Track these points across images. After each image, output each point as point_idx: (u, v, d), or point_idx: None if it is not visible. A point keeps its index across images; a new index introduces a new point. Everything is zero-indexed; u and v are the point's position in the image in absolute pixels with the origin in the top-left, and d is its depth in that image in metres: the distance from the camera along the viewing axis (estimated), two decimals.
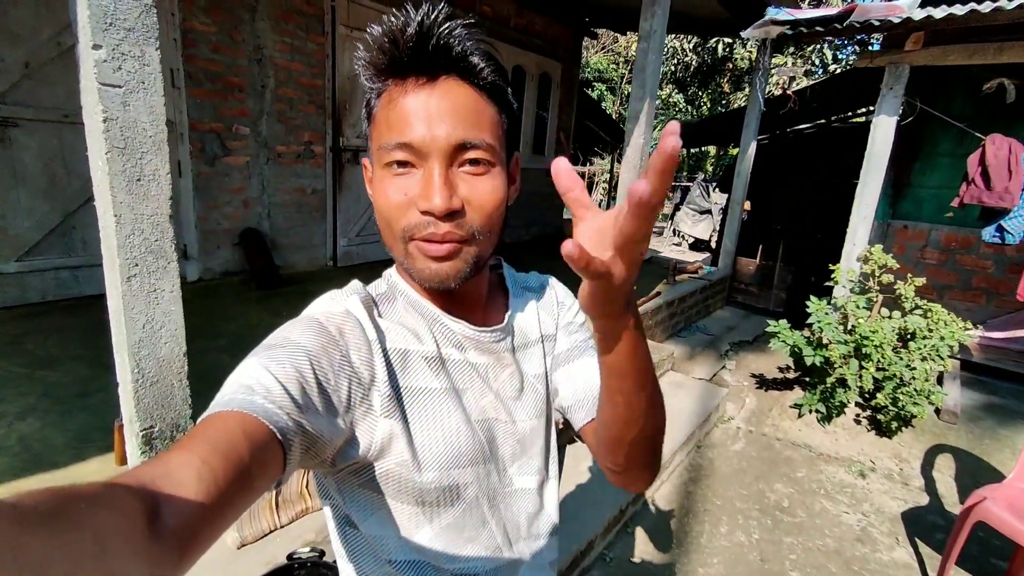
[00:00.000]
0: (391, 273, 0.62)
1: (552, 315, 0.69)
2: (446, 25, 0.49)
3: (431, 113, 0.50)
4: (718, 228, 7.92)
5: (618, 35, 14.05)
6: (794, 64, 10.38)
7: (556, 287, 0.72)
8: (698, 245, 9.66)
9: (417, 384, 0.55)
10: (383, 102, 0.52)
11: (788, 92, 6.15)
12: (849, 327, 3.04)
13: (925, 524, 2.38)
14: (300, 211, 3.89)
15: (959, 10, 2.61)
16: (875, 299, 3.13)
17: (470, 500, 0.58)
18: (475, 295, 0.62)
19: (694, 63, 11.61)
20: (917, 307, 2.91)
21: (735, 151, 6.26)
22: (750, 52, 10.25)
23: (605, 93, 15.36)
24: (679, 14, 4.47)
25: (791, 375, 3.71)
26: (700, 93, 13.09)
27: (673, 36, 11.21)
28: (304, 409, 0.44)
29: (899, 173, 4.33)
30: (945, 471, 2.77)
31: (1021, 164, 2.80)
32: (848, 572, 2.07)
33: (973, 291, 4.27)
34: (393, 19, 0.49)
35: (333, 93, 3.88)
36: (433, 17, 0.48)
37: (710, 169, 13.28)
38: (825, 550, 2.18)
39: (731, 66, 11.43)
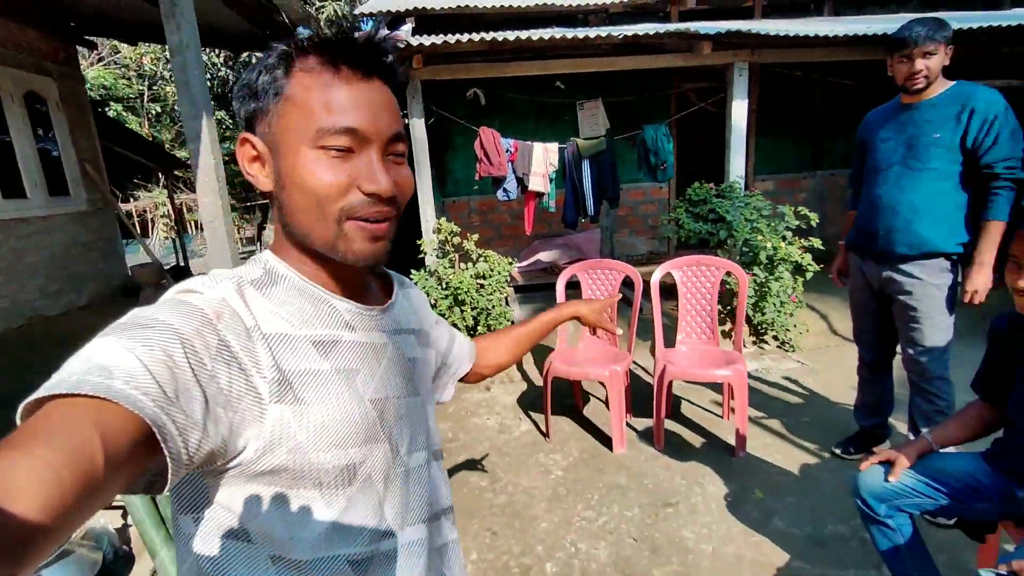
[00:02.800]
0: (267, 258, 0.60)
1: (418, 313, 0.77)
2: (384, 34, 0.57)
3: (374, 104, 0.56)
4: None
5: (121, 46, 11.96)
6: None
7: (414, 289, 0.82)
8: None
9: (304, 367, 0.55)
10: (309, 83, 0.54)
11: None
12: (445, 284, 3.84)
13: (530, 399, 3.38)
14: None
15: (438, 40, 3.55)
16: (454, 258, 4.03)
17: (364, 479, 0.59)
18: (363, 277, 0.66)
19: (231, 78, 11.15)
20: (480, 256, 3.92)
21: None
22: None
23: (123, 114, 12.92)
24: (204, 27, 4.28)
25: None
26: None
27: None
28: (176, 399, 0.41)
29: (439, 162, 5.53)
30: (529, 361, 3.94)
31: (501, 145, 4.09)
32: (501, 455, 2.76)
33: (504, 237, 5.97)
34: (343, 19, 0.56)
35: None
36: (379, 26, 0.56)
37: None
38: (483, 449, 2.84)
39: None
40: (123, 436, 0.36)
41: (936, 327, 2.06)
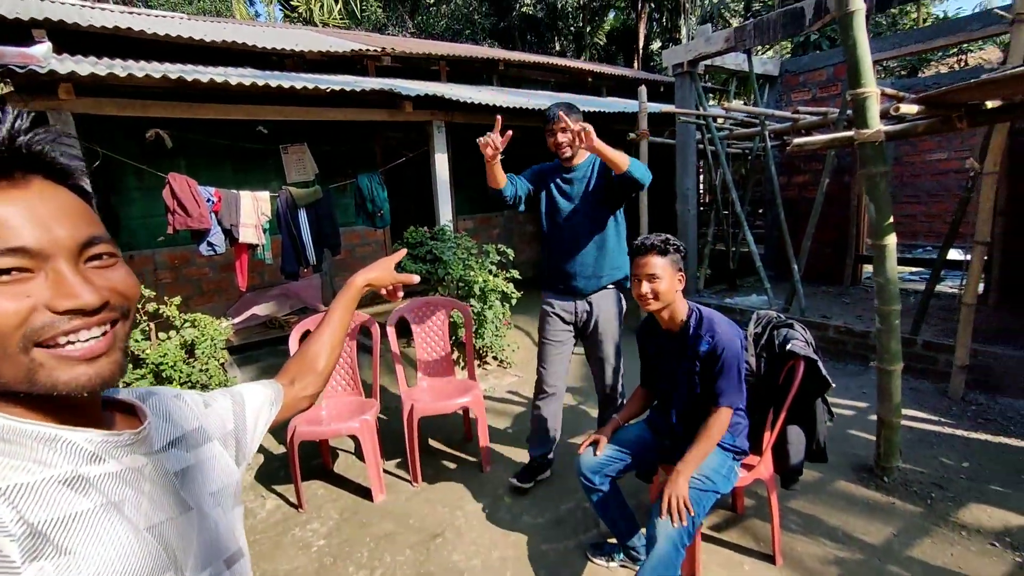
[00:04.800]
0: None
1: (172, 419, 0.68)
2: (36, 130, 0.49)
3: (41, 213, 0.48)
4: None
5: None
6: None
7: (156, 391, 0.70)
8: None
9: (59, 513, 0.47)
10: None
11: None
12: (138, 361, 3.15)
13: (270, 471, 3.06)
14: None
15: (100, 69, 2.95)
16: (148, 328, 3.34)
17: None
18: (94, 403, 0.56)
19: None
20: (186, 322, 3.36)
21: None
22: None
23: None
24: None
25: None
26: None
27: None
28: None
29: (104, 209, 4.48)
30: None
31: (200, 194, 3.63)
32: (252, 544, 2.44)
33: (205, 294, 5.21)
34: None
35: None
36: (21, 121, 0.45)
37: None
38: None
39: None
40: None
41: (616, 346, 2.58)
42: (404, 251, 1.06)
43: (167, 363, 3.12)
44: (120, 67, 3.05)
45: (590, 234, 2.48)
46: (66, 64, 2.91)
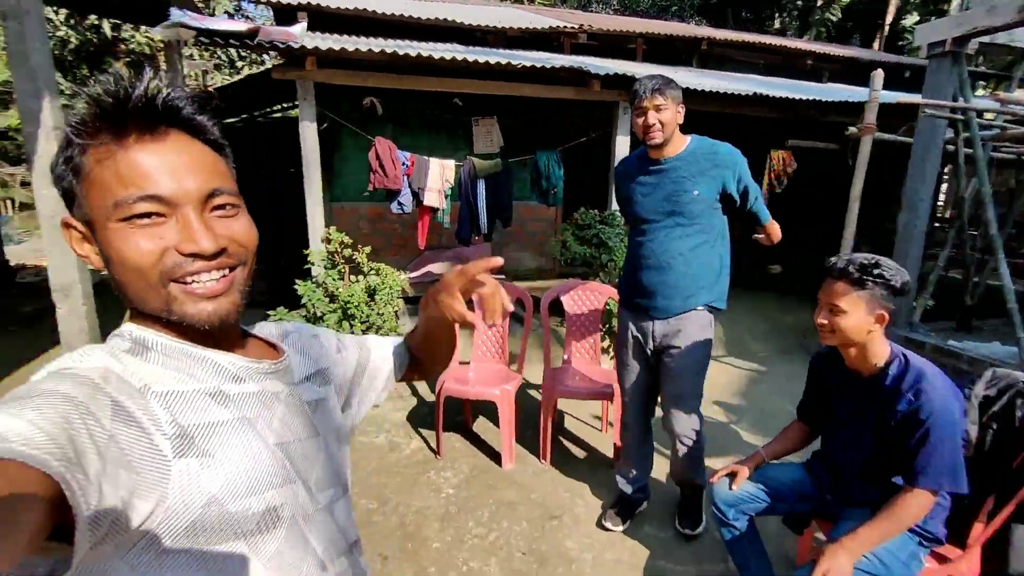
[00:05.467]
0: (130, 330, 0.58)
1: (309, 355, 0.76)
2: (171, 88, 0.54)
3: (174, 165, 0.54)
4: None
5: None
6: (202, 58, 10.29)
7: (297, 328, 0.78)
8: None
9: (204, 419, 0.55)
10: (101, 156, 0.52)
11: (207, 87, 6.16)
12: (333, 297, 3.68)
13: (420, 415, 3.38)
14: None
15: (335, 44, 3.42)
16: (344, 269, 3.89)
17: (289, 520, 0.60)
18: (233, 334, 0.64)
19: (75, 40, 9.57)
20: (372, 269, 3.83)
21: None
22: (148, 37, 9.36)
23: None
24: None
25: None
26: (93, 76, 11.01)
27: None
28: (78, 461, 0.39)
29: (327, 164, 5.28)
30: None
31: (398, 158, 4.05)
32: (391, 475, 2.73)
33: (394, 247, 5.87)
34: (117, 78, 0.51)
35: None
36: (163, 78, 0.51)
37: None
38: (373, 470, 2.78)
39: (124, 48, 10.12)
40: (24, 494, 0.35)
41: (700, 377, 2.10)
42: (491, 262, 0.68)
43: (353, 303, 3.60)
44: (349, 43, 3.52)
45: (678, 242, 2.00)
46: (312, 40, 3.43)
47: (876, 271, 1.44)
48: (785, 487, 1.77)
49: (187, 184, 0.54)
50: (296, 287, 3.60)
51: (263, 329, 0.75)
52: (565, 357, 3.18)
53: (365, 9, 4.80)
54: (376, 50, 3.51)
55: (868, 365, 1.54)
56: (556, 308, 3.32)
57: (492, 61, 3.73)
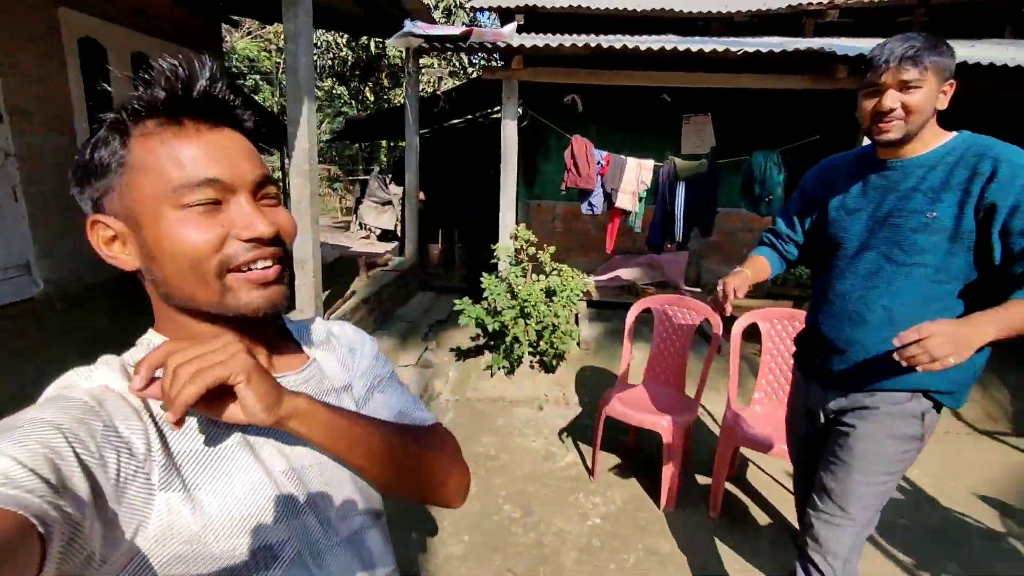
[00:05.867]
0: (149, 339, 0.58)
1: (346, 365, 0.70)
2: (225, 81, 0.54)
3: (230, 152, 0.54)
4: (401, 218, 8.42)
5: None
6: (439, 66, 11.71)
7: (344, 334, 0.73)
8: (386, 235, 10.06)
9: (198, 446, 0.52)
10: (153, 145, 0.51)
11: (438, 92, 6.91)
12: (514, 293, 3.74)
13: (581, 426, 3.21)
14: None
15: (539, 41, 3.42)
16: (527, 267, 3.92)
17: (292, 558, 0.55)
18: (263, 339, 0.62)
19: (351, 58, 11.77)
20: (554, 270, 3.78)
21: (404, 144, 6.73)
22: (401, 52, 11.02)
23: (261, 83, 14.13)
24: (322, 10, 4.49)
25: (481, 342, 4.34)
26: (362, 87, 13.42)
27: (323, 32, 11.15)
28: (60, 491, 0.38)
29: (528, 162, 5.43)
30: (589, 387, 3.75)
31: (593, 157, 3.90)
32: (541, 486, 2.63)
33: (584, 247, 5.77)
34: (174, 65, 0.50)
35: None
36: (218, 70, 0.51)
37: (384, 161, 13.90)
38: (525, 475, 2.72)
39: (386, 63, 12.06)
40: (8, 531, 0.34)
41: (871, 485, 1.37)
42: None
43: (531, 301, 3.60)
44: (553, 39, 3.47)
45: (900, 282, 1.30)
46: (518, 39, 3.48)
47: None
48: None
49: (243, 169, 0.54)
50: (482, 280, 3.75)
51: (314, 327, 0.72)
52: (756, 396, 2.66)
53: (579, 6, 4.75)
54: (580, 44, 3.40)
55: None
56: (756, 335, 2.80)
57: (694, 49, 3.30)
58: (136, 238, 0.53)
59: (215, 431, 0.54)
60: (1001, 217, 1.17)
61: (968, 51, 3.53)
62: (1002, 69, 3.15)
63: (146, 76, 0.51)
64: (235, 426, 0.54)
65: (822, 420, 1.49)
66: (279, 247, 0.57)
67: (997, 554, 2.23)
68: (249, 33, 13.85)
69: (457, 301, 3.69)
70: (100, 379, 0.51)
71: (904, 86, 1.22)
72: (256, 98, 12.24)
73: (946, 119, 1.23)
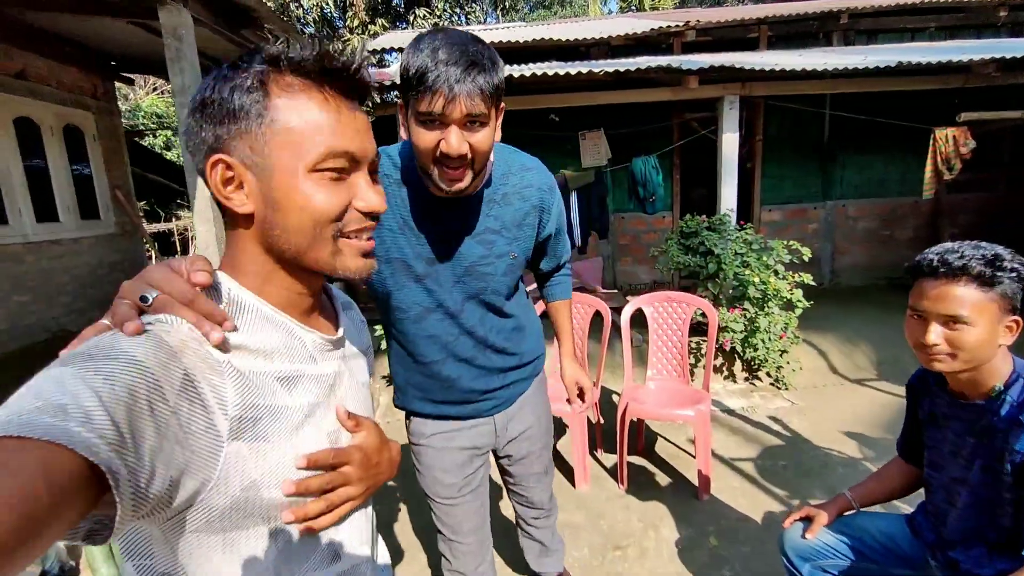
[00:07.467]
0: (229, 288, 0.57)
1: (361, 335, 0.79)
2: (367, 60, 0.59)
3: (361, 128, 0.59)
4: None
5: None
6: None
7: (356, 310, 0.81)
8: None
9: (269, 402, 0.55)
10: (301, 107, 0.54)
11: None
12: None
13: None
14: None
15: None
16: None
17: None
18: (320, 298, 0.67)
19: None
20: None
21: None
22: None
23: (172, 139, 13.76)
24: (209, 59, 4.56)
25: None
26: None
27: None
28: (132, 441, 0.40)
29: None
30: None
31: None
32: None
33: None
34: (328, 39, 0.58)
35: None
36: (367, 52, 0.56)
37: None
38: None
39: None
40: (71, 479, 0.35)
41: None
42: None
43: None
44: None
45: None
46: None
47: (1010, 264, 1.03)
48: (876, 543, 1.40)
49: (368, 148, 0.59)
50: None
51: (338, 291, 0.78)
52: (649, 374, 2.94)
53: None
54: None
55: (979, 389, 1.16)
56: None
57: (562, 72, 3.66)
58: (261, 186, 0.55)
59: (283, 392, 0.57)
60: None
61: (795, 59, 4.11)
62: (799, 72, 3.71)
63: (298, 42, 0.54)
64: (300, 389, 0.59)
65: None
66: (375, 222, 0.62)
67: (854, 476, 2.57)
68: (155, 89, 13.55)
69: None
70: (184, 329, 0.50)
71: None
72: (168, 155, 11.92)
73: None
